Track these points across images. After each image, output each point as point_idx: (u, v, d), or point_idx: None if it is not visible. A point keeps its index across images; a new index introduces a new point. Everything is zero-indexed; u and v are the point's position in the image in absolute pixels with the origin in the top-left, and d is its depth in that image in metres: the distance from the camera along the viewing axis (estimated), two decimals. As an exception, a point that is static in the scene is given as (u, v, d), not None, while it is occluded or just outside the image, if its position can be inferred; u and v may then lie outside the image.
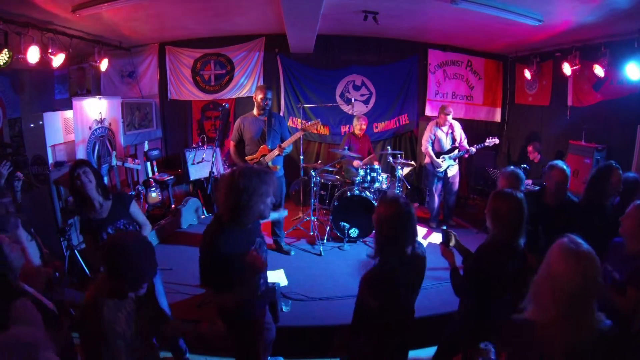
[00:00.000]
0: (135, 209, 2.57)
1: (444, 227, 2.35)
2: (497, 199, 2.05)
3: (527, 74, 5.86)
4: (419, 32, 6.02)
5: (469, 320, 2.14)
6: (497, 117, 6.85)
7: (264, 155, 4.00)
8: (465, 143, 5.09)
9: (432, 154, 5.13)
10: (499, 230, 2.02)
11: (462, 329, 2.20)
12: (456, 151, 5.07)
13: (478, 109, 6.78)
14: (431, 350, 2.45)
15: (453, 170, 5.17)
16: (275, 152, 3.98)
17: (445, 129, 5.09)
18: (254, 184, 1.84)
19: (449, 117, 5.01)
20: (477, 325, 2.07)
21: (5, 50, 3.60)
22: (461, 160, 5.32)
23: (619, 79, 4.39)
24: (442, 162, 5.08)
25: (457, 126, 5.14)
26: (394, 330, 1.84)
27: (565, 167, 2.75)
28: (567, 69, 4.88)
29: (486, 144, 4.95)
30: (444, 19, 5.05)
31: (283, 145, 4.00)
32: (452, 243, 2.26)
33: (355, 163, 5.08)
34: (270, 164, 4.01)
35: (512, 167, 2.90)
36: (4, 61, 3.64)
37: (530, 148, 5.38)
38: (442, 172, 5.14)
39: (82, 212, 2.44)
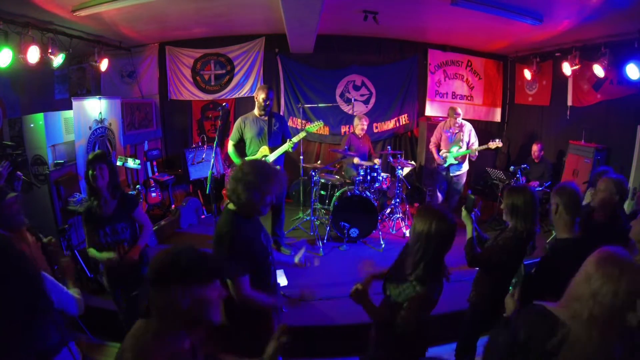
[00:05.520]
0: (139, 213, 2.67)
1: (469, 192, 2.55)
2: (512, 194, 2.20)
3: (527, 74, 5.86)
4: (419, 32, 6.02)
5: (483, 307, 2.34)
6: (497, 117, 6.86)
7: (265, 156, 4.00)
8: (475, 145, 5.06)
9: (433, 150, 5.24)
10: (519, 222, 2.16)
11: (477, 315, 2.39)
12: (457, 149, 5.06)
13: (478, 109, 6.78)
14: (433, 350, 2.46)
15: (458, 171, 5.17)
16: (286, 146, 3.99)
17: (452, 129, 5.11)
18: (258, 178, 1.86)
19: (458, 119, 5.04)
20: (490, 310, 2.31)
21: (7, 48, 3.59)
22: (469, 162, 5.28)
23: (618, 79, 4.39)
24: (445, 157, 5.10)
25: (467, 127, 5.13)
26: None
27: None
28: (567, 69, 4.88)
29: (489, 145, 4.94)
30: (444, 19, 5.06)
31: (293, 139, 4.02)
32: (473, 215, 2.43)
33: (356, 160, 5.09)
34: (268, 162, 4.01)
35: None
36: (6, 63, 3.64)
37: (538, 147, 5.30)
38: (444, 168, 5.15)
39: (90, 200, 2.53)
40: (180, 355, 1.19)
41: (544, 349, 1.24)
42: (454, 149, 5.06)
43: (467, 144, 5.07)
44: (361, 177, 4.76)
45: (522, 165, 4.89)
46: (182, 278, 1.14)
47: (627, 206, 3.30)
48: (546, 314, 1.30)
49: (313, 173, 4.81)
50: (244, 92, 6.41)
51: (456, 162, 5.11)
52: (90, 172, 2.44)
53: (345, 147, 5.13)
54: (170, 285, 1.14)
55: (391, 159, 5.19)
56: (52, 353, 1.64)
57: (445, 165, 5.13)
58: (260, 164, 1.97)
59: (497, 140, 4.94)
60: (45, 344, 1.56)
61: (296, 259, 2.57)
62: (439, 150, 5.24)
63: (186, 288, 1.14)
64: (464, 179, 5.29)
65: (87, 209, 2.52)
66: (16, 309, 1.21)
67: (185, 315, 1.15)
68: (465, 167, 5.20)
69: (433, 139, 5.31)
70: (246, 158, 4.05)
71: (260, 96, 3.97)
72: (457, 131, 5.09)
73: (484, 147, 4.96)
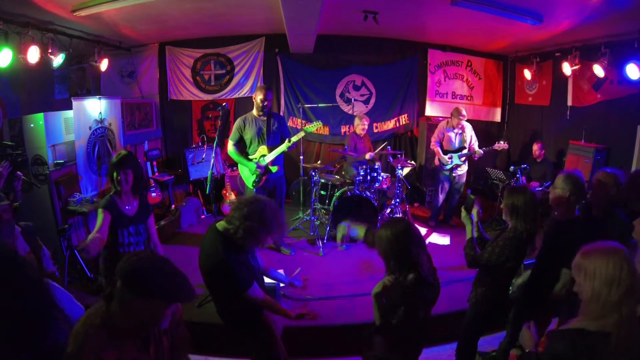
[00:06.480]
0: (152, 221, 2.73)
1: (469, 191, 2.56)
2: (512, 194, 2.22)
3: (527, 74, 5.86)
4: (419, 32, 6.02)
5: (483, 307, 2.35)
6: (497, 117, 6.86)
7: (263, 155, 4.01)
8: (475, 145, 5.09)
9: (439, 150, 5.17)
10: (520, 222, 2.17)
11: (477, 315, 2.39)
12: (464, 150, 5.07)
13: (478, 109, 6.78)
14: (433, 350, 2.48)
15: (460, 170, 5.17)
16: (284, 146, 3.97)
17: (456, 130, 5.11)
18: (259, 229, 1.95)
19: (462, 120, 5.04)
20: (491, 310, 2.34)
21: (7, 48, 3.59)
22: (469, 161, 5.29)
23: (619, 79, 4.39)
24: (449, 159, 5.09)
25: (469, 128, 5.14)
26: None
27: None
28: (567, 69, 4.88)
29: (495, 147, 4.94)
30: (444, 19, 5.06)
31: (293, 139, 4.01)
32: (475, 217, 2.43)
33: (368, 155, 5.07)
34: (264, 162, 4.02)
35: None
36: (6, 63, 3.64)
37: (538, 146, 5.28)
38: (448, 169, 5.15)
39: (110, 195, 2.56)
40: (125, 351, 1.27)
41: None
42: (455, 154, 5.08)
43: (469, 143, 5.10)
44: (361, 177, 4.76)
45: (522, 165, 4.89)
46: (147, 293, 1.23)
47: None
48: (584, 335, 1.29)
49: (313, 173, 4.81)
50: (244, 92, 6.41)
51: (461, 161, 5.12)
52: (115, 175, 2.46)
53: (348, 146, 5.13)
54: (131, 291, 1.23)
55: (391, 159, 5.19)
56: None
57: (449, 166, 5.12)
58: (266, 208, 2.00)
59: (502, 142, 4.95)
60: (56, 349, 1.57)
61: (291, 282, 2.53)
62: (441, 149, 5.23)
63: (147, 301, 1.23)
64: (464, 178, 5.30)
65: (111, 202, 2.49)
66: (27, 316, 1.21)
67: (136, 316, 1.25)
68: (466, 166, 5.23)
69: (435, 138, 5.29)
70: (249, 156, 4.07)
71: (258, 97, 3.97)
72: (460, 132, 5.10)
73: (489, 148, 4.97)
